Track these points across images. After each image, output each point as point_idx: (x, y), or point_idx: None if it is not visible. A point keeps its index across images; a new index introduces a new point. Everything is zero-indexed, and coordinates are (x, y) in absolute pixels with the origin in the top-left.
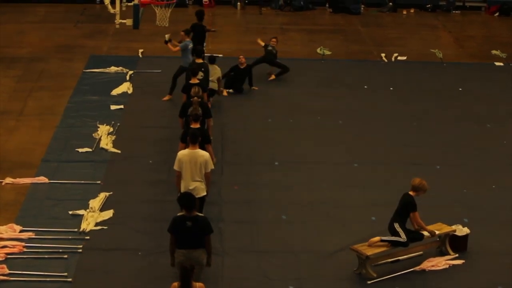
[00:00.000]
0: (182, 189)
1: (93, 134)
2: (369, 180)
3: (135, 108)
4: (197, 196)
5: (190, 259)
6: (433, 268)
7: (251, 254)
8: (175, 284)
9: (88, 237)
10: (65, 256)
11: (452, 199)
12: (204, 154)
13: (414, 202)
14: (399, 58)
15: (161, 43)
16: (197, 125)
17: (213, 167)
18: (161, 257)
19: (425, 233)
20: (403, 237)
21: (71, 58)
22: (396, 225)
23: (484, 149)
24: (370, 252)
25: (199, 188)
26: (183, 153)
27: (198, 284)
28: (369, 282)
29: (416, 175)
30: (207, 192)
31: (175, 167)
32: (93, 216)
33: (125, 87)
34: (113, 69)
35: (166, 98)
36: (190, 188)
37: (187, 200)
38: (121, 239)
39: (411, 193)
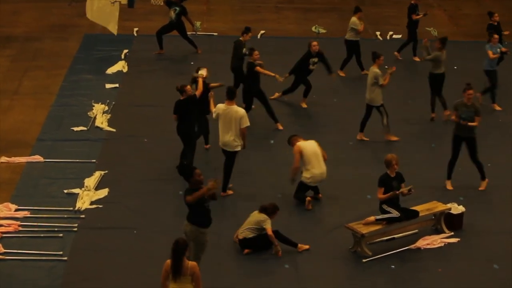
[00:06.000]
0: (221, 143)
1: (88, 113)
2: (364, 158)
3: (130, 86)
4: (230, 150)
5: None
6: (428, 247)
7: None
8: (168, 261)
9: (83, 216)
10: (61, 234)
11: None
12: (238, 110)
13: (381, 179)
14: (394, 36)
15: (158, 22)
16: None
17: (248, 124)
18: (156, 235)
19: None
20: (395, 213)
21: (65, 37)
22: (384, 206)
23: (480, 127)
24: (365, 230)
25: (232, 143)
26: (220, 106)
27: (190, 263)
28: (364, 260)
29: (411, 153)
30: (244, 145)
31: (214, 116)
32: (88, 194)
33: (120, 66)
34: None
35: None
36: (225, 140)
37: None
38: (116, 218)
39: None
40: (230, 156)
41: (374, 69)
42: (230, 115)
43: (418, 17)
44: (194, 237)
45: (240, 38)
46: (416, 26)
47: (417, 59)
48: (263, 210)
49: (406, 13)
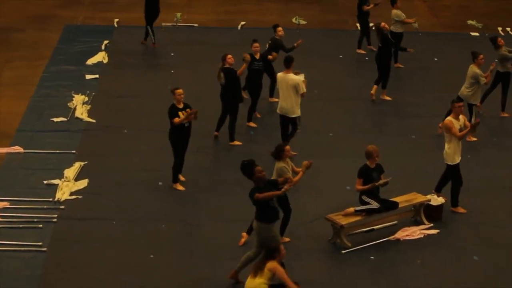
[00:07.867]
0: (278, 108)
1: (68, 104)
2: (344, 149)
3: (110, 77)
4: (289, 116)
5: None
6: (407, 238)
7: (226, 223)
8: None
9: (63, 207)
10: (40, 225)
11: (427, 169)
12: (294, 77)
13: (361, 170)
14: (374, 28)
15: (138, 13)
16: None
17: (304, 90)
18: (135, 226)
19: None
20: (375, 204)
21: (46, 28)
22: (364, 197)
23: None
24: (344, 221)
25: (290, 110)
26: (280, 74)
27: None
28: (343, 251)
29: (391, 145)
30: None
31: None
32: (68, 185)
33: (100, 57)
34: None
35: None
36: (283, 106)
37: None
38: (95, 209)
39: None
40: (290, 121)
41: (474, 69)
42: (286, 82)
43: (368, 7)
44: (257, 233)
45: (276, 37)
46: (367, 17)
47: (361, 51)
48: (274, 157)
49: (388, 4)
